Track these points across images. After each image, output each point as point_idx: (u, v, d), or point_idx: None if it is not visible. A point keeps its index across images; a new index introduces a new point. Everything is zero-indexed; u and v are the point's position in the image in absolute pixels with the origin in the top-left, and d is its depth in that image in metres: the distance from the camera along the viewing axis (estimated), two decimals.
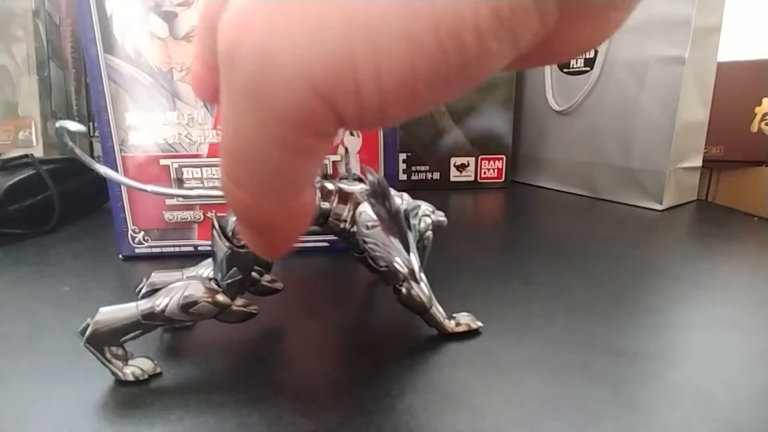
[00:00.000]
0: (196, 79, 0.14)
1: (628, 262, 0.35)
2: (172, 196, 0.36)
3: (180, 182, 0.36)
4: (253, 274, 0.24)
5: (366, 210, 0.22)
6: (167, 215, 0.36)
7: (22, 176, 0.43)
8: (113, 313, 0.20)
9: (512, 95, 0.62)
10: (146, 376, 0.21)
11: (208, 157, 0.36)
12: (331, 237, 0.32)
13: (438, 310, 0.24)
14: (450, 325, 0.25)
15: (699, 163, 0.53)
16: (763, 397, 0.20)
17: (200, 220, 0.37)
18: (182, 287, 0.21)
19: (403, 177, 0.63)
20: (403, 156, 0.63)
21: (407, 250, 0.22)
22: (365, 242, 0.22)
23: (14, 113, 0.58)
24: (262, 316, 0.25)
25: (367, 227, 0.22)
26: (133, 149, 0.35)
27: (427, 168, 0.64)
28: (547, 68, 0.59)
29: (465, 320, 0.25)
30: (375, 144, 0.36)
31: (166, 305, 0.20)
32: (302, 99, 0.09)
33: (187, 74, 0.34)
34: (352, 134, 0.36)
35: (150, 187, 0.23)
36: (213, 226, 0.21)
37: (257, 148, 0.10)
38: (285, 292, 0.28)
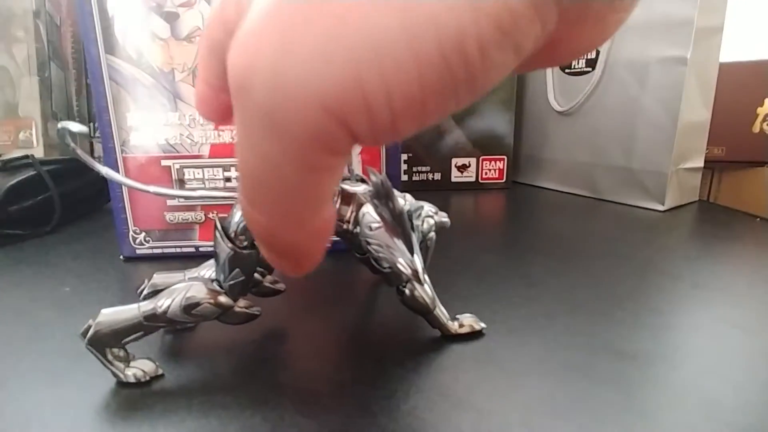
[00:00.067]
0: (202, 101, 0.15)
1: (630, 262, 0.35)
2: (174, 197, 0.36)
3: (181, 183, 0.36)
4: (256, 275, 0.24)
5: (369, 211, 0.22)
6: (168, 216, 0.36)
7: (22, 177, 0.43)
8: (115, 314, 0.20)
9: (513, 96, 0.62)
10: (148, 378, 0.21)
11: (209, 157, 0.36)
12: (333, 237, 0.32)
13: (441, 312, 0.24)
14: (453, 326, 0.24)
15: (701, 163, 0.53)
16: (767, 398, 0.20)
17: (201, 220, 0.37)
18: (184, 288, 0.21)
19: (404, 177, 0.63)
20: (404, 156, 0.63)
21: (411, 251, 0.22)
22: (368, 243, 0.22)
23: (15, 114, 0.58)
24: (264, 318, 0.25)
25: (371, 228, 0.22)
26: (135, 150, 0.35)
27: (428, 168, 0.64)
28: (549, 69, 0.59)
29: (468, 321, 0.25)
30: None
31: (168, 306, 0.20)
32: (316, 121, 0.09)
33: (188, 75, 0.34)
34: None
35: (152, 188, 0.23)
36: (216, 228, 0.21)
37: (275, 170, 0.10)
38: (287, 293, 0.28)
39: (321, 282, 0.33)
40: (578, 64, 0.55)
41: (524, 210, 0.54)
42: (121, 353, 0.21)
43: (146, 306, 0.20)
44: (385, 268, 0.24)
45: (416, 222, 0.26)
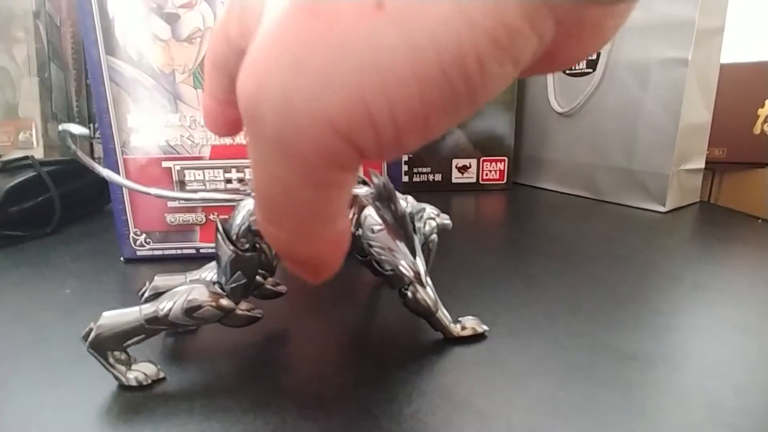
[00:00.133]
0: (209, 116, 0.15)
1: (631, 263, 0.35)
2: (174, 199, 0.36)
3: (182, 184, 0.36)
4: (257, 277, 0.24)
5: (371, 214, 0.22)
6: (169, 217, 0.36)
7: (22, 178, 0.43)
8: (116, 317, 0.20)
9: (514, 97, 0.62)
10: (149, 381, 0.21)
11: (210, 159, 0.35)
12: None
13: (443, 314, 0.24)
14: (455, 329, 0.24)
15: (702, 164, 0.53)
16: None
17: (202, 222, 0.37)
18: (186, 291, 0.20)
19: (404, 179, 0.63)
20: (404, 158, 0.63)
21: (413, 253, 0.22)
22: (371, 246, 0.22)
23: (15, 115, 0.58)
24: (266, 320, 0.25)
25: (373, 231, 0.22)
26: (135, 151, 0.35)
27: (428, 170, 0.64)
28: None
29: (470, 324, 0.25)
30: None
31: (170, 309, 0.20)
32: (324, 141, 0.09)
33: (189, 76, 0.34)
34: None
35: (153, 190, 0.23)
36: (217, 230, 0.20)
37: (287, 189, 0.11)
38: (289, 295, 0.28)
39: (322, 284, 0.33)
40: (579, 65, 0.55)
41: (525, 211, 0.54)
42: (123, 356, 0.21)
43: (148, 309, 0.20)
44: (387, 270, 0.24)
45: (418, 224, 0.25)
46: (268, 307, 0.26)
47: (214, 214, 0.36)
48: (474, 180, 0.64)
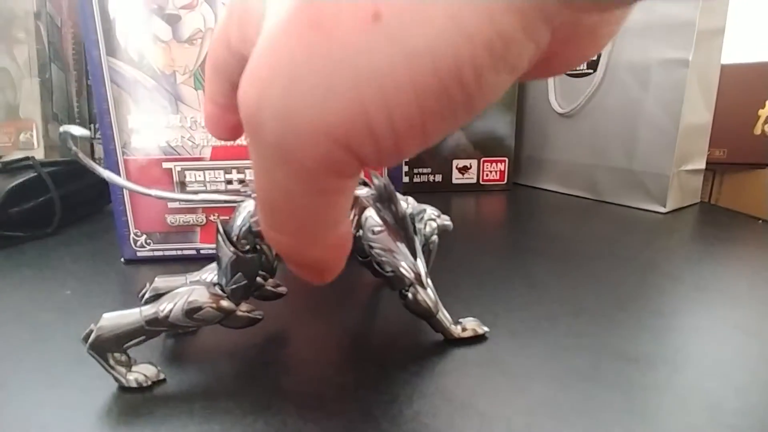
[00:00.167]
0: (210, 120, 0.16)
1: (632, 264, 0.35)
2: (175, 200, 0.36)
3: (183, 185, 0.36)
4: (258, 278, 0.24)
5: (372, 215, 0.22)
6: (169, 218, 0.36)
7: (23, 179, 0.43)
8: (117, 318, 0.20)
9: (514, 98, 0.62)
10: (150, 383, 0.21)
11: (210, 160, 0.35)
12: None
13: (444, 315, 0.24)
14: (456, 330, 0.24)
15: (702, 165, 0.53)
16: None
17: (203, 223, 0.37)
18: (186, 293, 0.20)
19: (405, 179, 0.63)
20: None
21: (413, 254, 0.22)
22: (371, 247, 0.22)
23: (15, 115, 0.58)
24: (266, 321, 0.25)
25: (373, 232, 0.22)
26: (136, 152, 0.35)
27: (429, 170, 0.64)
28: None
29: (471, 325, 0.25)
30: None
31: (170, 311, 0.20)
32: (325, 149, 0.10)
33: (190, 77, 0.34)
34: None
35: (154, 192, 0.23)
36: (218, 231, 0.20)
37: (289, 195, 0.11)
38: (289, 296, 0.28)
39: (323, 285, 0.33)
40: (579, 66, 0.55)
41: (525, 212, 0.54)
42: (123, 358, 0.21)
43: (148, 310, 0.20)
44: (387, 271, 0.24)
45: (419, 225, 0.25)
46: (268, 308, 0.26)
47: (214, 215, 0.36)
48: (474, 181, 0.64)
